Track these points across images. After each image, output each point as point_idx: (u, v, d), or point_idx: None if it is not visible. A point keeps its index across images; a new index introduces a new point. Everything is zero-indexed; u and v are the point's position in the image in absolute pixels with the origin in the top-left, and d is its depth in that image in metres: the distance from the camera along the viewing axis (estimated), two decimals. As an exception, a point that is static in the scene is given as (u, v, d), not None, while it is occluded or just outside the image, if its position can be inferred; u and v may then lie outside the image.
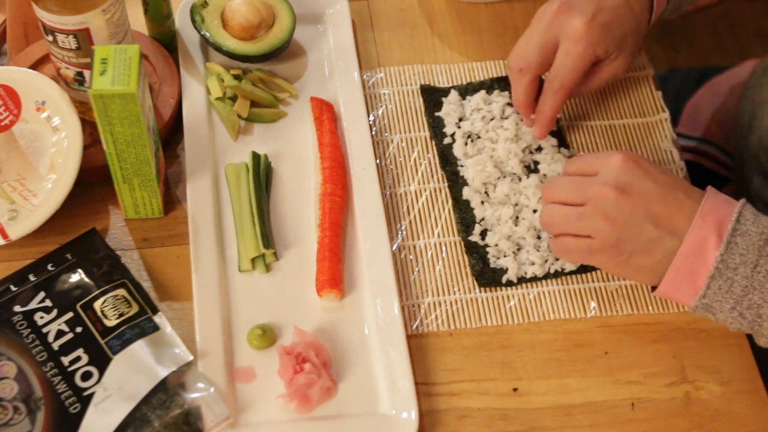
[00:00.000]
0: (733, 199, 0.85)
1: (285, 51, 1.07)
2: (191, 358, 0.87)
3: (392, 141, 1.03)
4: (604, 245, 0.85)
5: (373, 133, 1.04)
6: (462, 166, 1.01)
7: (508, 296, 0.94)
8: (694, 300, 0.83)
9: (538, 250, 0.95)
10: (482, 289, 0.94)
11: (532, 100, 0.98)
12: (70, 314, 0.89)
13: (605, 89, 1.08)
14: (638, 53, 1.00)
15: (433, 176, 1.01)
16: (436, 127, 1.04)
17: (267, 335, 0.89)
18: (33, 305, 0.89)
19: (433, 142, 1.03)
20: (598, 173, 0.86)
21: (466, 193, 0.99)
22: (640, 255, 0.84)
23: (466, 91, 1.07)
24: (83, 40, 0.93)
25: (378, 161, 1.02)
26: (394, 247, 0.96)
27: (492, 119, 1.03)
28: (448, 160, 1.02)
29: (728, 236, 0.81)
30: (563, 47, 0.93)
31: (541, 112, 0.97)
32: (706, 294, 0.82)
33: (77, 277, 0.91)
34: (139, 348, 0.87)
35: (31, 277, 0.91)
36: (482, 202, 0.98)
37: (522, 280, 0.94)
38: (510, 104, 1.05)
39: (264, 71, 1.06)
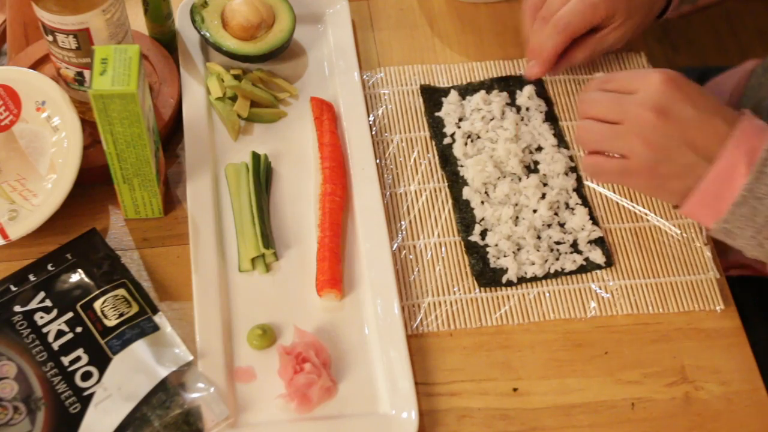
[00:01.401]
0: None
1: (285, 51, 1.07)
2: (191, 358, 0.87)
3: (392, 141, 1.03)
4: (640, 167, 0.85)
5: (373, 133, 1.04)
6: (462, 166, 1.01)
7: (508, 296, 0.94)
8: (714, 223, 0.84)
9: (538, 250, 0.95)
10: (482, 289, 0.94)
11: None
12: (70, 314, 0.89)
13: (605, 89, 1.08)
14: (638, 35, 1.01)
15: (433, 176, 1.01)
16: (436, 127, 1.04)
17: (267, 335, 0.89)
18: (33, 305, 0.89)
19: (433, 142, 1.03)
20: (636, 91, 0.85)
21: (466, 193, 0.99)
22: (675, 179, 0.85)
23: (466, 91, 1.07)
24: (83, 40, 0.93)
25: (378, 161, 1.02)
26: (394, 247, 0.96)
27: (492, 119, 1.04)
28: (448, 160, 1.02)
29: (758, 166, 0.82)
30: None
31: (543, 49, 0.97)
32: (728, 219, 0.83)
33: (77, 277, 0.91)
34: (139, 348, 0.87)
35: (31, 277, 0.91)
36: (482, 202, 0.98)
37: (522, 280, 0.94)
38: (509, 104, 1.06)
39: (264, 71, 1.06)
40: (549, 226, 0.97)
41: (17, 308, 0.89)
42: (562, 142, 1.03)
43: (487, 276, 0.94)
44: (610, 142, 0.86)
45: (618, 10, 0.95)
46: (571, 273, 0.95)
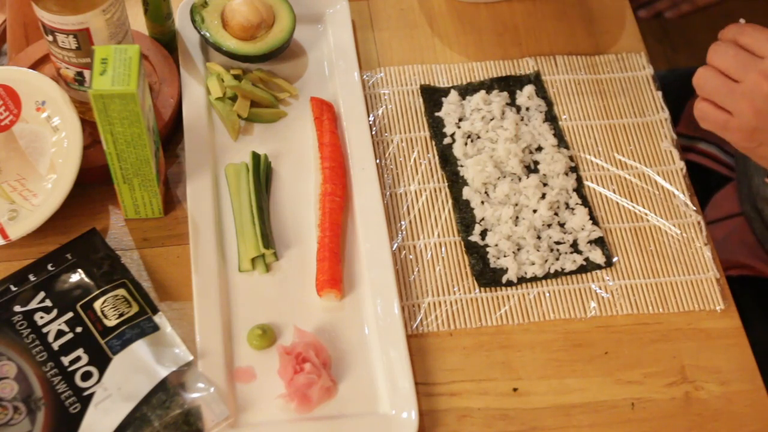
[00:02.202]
0: None
1: (285, 51, 1.07)
2: (191, 358, 0.87)
3: (392, 141, 1.03)
4: (740, 128, 0.86)
5: (373, 133, 1.04)
6: (462, 166, 1.01)
7: (508, 296, 0.94)
8: None
9: (538, 250, 0.95)
10: (482, 289, 0.94)
11: None
12: (70, 314, 0.89)
13: (605, 89, 1.08)
14: None
15: (433, 176, 1.01)
16: (436, 127, 1.04)
17: (267, 335, 0.89)
18: (33, 305, 0.89)
19: (433, 142, 1.03)
20: (765, 57, 0.85)
21: (466, 193, 0.99)
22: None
23: (466, 91, 1.07)
24: (83, 40, 0.93)
25: (378, 161, 1.02)
26: (394, 247, 0.96)
27: (492, 119, 1.03)
28: (448, 160, 1.02)
29: None
30: None
31: None
32: None
33: (77, 277, 0.91)
34: (139, 348, 0.87)
35: (31, 277, 0.91)
36: (482, 202, 0.98)
37: (522, 280, 0.94)
38: (509, 104, 1.06)
39: (264, 71, 1.06)
40: (549, 226, 0.97)
41: (17, 308, 0.89)
42: (562, 142, 1.03)
43: (487, 276, 0.94)
44: (722, 97, 0.87)
45: None
46: (571, 273, 0.95)
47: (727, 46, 0.89)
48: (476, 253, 0.96)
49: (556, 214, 0.98)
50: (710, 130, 0.91)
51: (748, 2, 2.20)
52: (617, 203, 1.00)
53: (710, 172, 1.22)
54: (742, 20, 0.93)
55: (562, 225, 0.98)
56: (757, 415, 0.88)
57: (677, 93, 1.30)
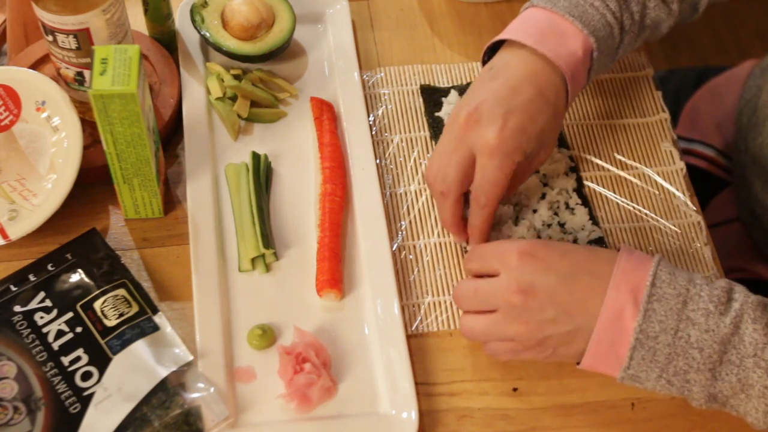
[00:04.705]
0: (646, 255, 0.82)
1: (285, 51, 1.07)
2: (191, 358, 0.87)
3: (392, 141, 1.03)
4: (527, 346, 0.83)
5: (373, 133, 1.04)
6: (462, 166, 1.01)
7: (508, 296, 0.94)
8: (619, 371, 0.80)
9: (538, 250, 0.95)
10: (482, 289, 0.94)
11: (461, 219, 0.91)
12: (70, 314, 0.89)
13: (605, 89, 1.08)
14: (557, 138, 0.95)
15: (433, 176, 1.01)
16: (436, 127, 1.04)
17: (267, 335, 0.89)
18: (33, 305, 0.89)
19: (433, 142, 1.03)
20: (498, 273, 0.83)
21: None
22: (563, 346, 0.82)
23: (466, 91, 1.06)
24: (83, 40, 0.93)
25: (378, 161, 1.02)
26: (394, 247, 0.96)
27: (492, 119, 1.03)
28: (448, 160, 1.02)
29: (644, 304, 0.78)
30: (480, 163, 0.86)
31: (473, 226, 0.91)
32: (630, 365, 0.79)
33: (77, 277, 0.91)
34: (139, 348, 0.87)
35: (31, 277, 0.91)
36: (482, 202, 0.98)
37: (522, 280, 0.94)
38: (510, 104, 1.06)
39: (264, 71, 1.06)
40: (549, 226, 0.97)
41: (17, 308, 0.89)
42: (562, 142, 1.03)
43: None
44: (495, 334, 0.84)
45: (527, 148, 0.87)
46: (571, 273, 0.95)
47: (464, 286, 0.86)
48: (476, 253, 0.95)
49: (556, 214, 0.98)
50: (510, 359, 0.87)
51: (748, 2, 2.20)
52: (617, 203, 1.00)
53: (707, 175, 1.22)
54: (463, 243, 0.93)
55: (562, 225, 0.98)
56: (757, 415, 0.88)
57: (675, 94, 1.30)
